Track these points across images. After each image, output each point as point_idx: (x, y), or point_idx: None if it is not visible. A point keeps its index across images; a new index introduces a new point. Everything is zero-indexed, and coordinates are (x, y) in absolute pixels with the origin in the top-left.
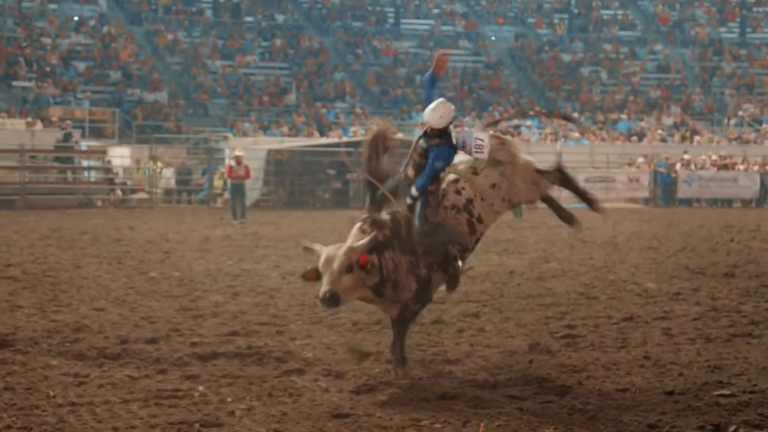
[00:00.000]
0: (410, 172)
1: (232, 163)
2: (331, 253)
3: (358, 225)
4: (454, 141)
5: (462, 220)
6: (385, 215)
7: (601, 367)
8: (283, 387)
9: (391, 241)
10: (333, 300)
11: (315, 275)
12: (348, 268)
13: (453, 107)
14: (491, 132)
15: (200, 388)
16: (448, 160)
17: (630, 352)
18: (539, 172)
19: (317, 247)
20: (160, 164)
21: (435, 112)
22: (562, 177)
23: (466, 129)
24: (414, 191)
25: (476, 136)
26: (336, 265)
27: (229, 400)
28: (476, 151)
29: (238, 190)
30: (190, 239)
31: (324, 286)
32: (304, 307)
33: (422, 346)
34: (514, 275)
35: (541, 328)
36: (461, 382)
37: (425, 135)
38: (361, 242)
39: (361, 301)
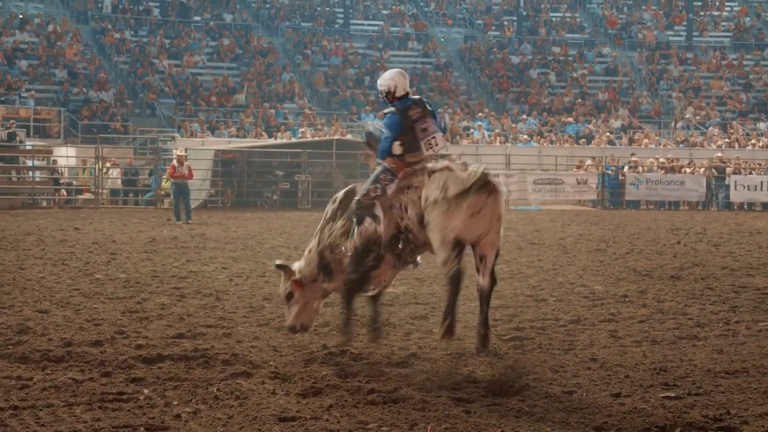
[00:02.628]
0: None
1: (175, 163)
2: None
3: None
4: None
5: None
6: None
7: (549, 369)
8: (230, 390)
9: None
10: (296, 330)
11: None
12: (289, 296)
13: (396, 74)
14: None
15: (145, 391)
16: (392, 128)
17: (577, 354)
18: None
19: (293, 267)
20: (106, 165)
21: (383, 75)
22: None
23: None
24: (378, 156)
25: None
26: (283, 294)
27: (175, 403)
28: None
29: (181, 191)
30: (136, 240)
31: (288, 319)
32: (251, 309)
33: (369, 348)
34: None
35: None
36: (409, 385)
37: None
38: (298, 267)
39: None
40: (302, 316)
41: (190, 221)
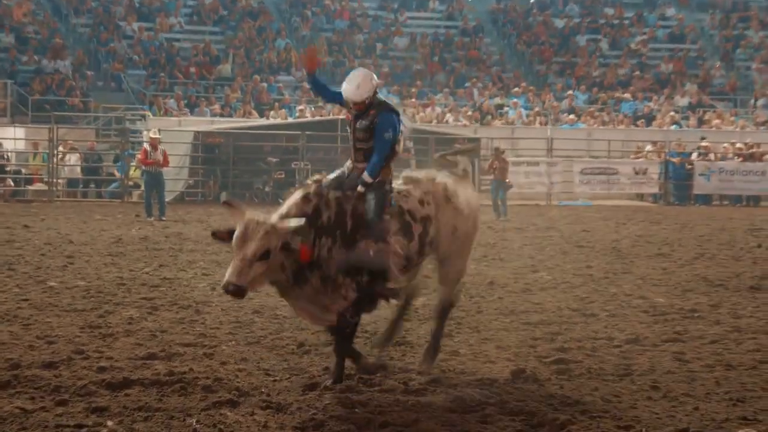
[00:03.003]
0: (359, 159)
1: (147, 147)
2: (251, 226)
3: (301, 191)
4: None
5: (413, 232)
6: (334, 192)
7: (600, 399)
8: (212, 422)
9: (333, 228)
10: (237, 293)
11: (227, 237)
12: (263, 254)
13: (372, 75)
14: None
15: (109, 423)
16: (396, 126)
17: (635, 381)
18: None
19: (242, 208)
20: (62, 149)
21: (351, 83)
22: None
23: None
24: (366, 176)
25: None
26: (251, 248)
27: None
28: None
29: (154, 181)
30: (98, 241)
31: (230, 273)
32: (238, 324)
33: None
34: (495, 287)
35: (528, 352)
36: (430, 418)
37: (356, 116)
38: (288, 222)
39: (273, 286)
40: (257, 280)
41: (164, 218)
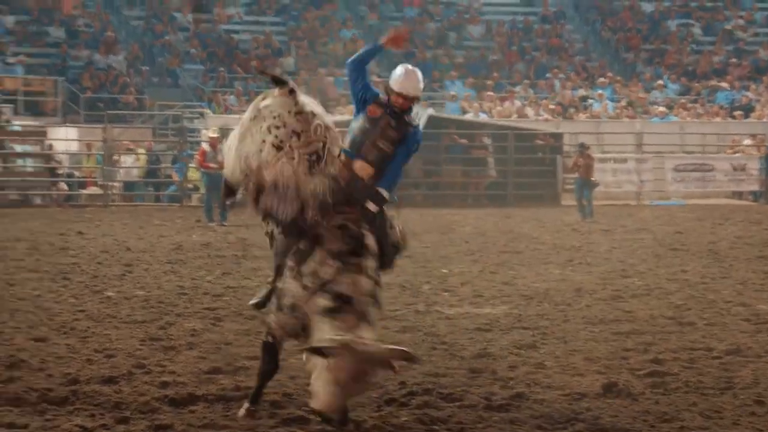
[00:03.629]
0: (370, 158)
1: (206, 147)
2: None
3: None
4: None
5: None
6: None
7: (700, 415)
8: None
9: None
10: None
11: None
12: None
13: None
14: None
15: None
16: (409, 159)
17: (737, 395)
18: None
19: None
20: (117, 150)
21: (412, 78)
22: None
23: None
24: (385, 192)
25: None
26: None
27: None
28: None
29: (215, 183)
30: (157, 248)
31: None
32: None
33: (460, 387)
34: (582, 294)
35: (619, 364)
36: None
37: (394, 114)
38: None
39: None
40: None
41: (225, 222)
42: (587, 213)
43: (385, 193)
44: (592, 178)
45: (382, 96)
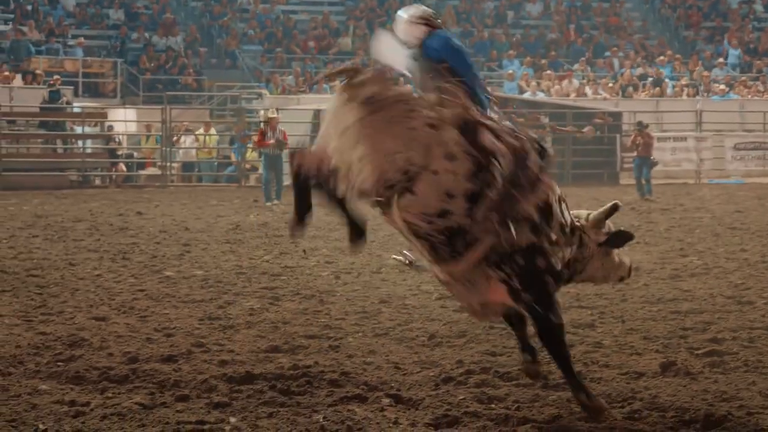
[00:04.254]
0: None
1: (264, 128)
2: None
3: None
4: None
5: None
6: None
7: (759, 394)
8: (339, 419)
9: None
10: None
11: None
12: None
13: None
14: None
15: (232, 420)
16: None
17: None
18: None
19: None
20: (177, 131)
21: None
22: None
23: None
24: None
25: None
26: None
27: None
28: None
29: (272, 163)
30: (215, 228)
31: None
32: (364, 315)
33: (517, 366)
34: (640, 273)
35: (678, 343)
36: (572, 413)
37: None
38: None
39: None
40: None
41: (278, 201)
42: (646, 192)
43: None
44: (651, 157)
45: None
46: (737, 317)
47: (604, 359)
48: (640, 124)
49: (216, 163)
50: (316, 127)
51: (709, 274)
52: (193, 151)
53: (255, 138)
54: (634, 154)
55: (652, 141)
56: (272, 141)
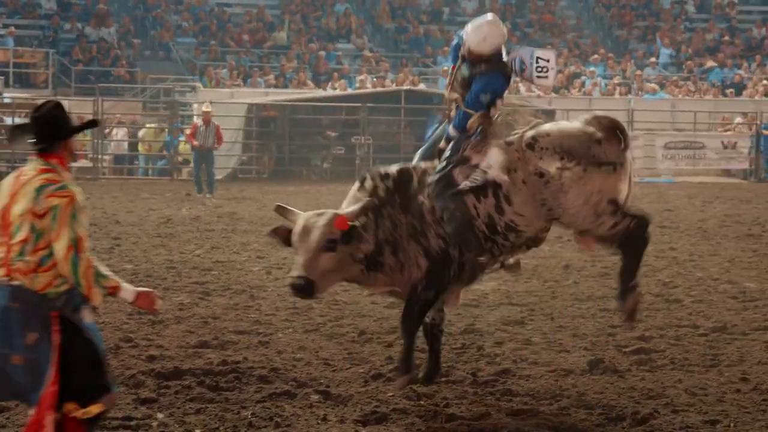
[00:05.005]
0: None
1: (198, 122)
2: (309, 221)
3: (356, 184)
4: (510, 63)
5: (482, 207)
6: (394, 167)
7: (685, 391)
8: (268, 415)
9: (391, 196)
10: (306, 289)
11: (287, 236)
12: (328, 244)
13: (503, 29)
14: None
15: (159, 415)
16: (497, 91)
17: (722, 372)
18: (614, 203)
19: (295, 211)
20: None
21: (477, 33)
22: (632, 237)
23: (525, 46)
24: (451, 129)
25: (538, 55)
26: (313, 240)
27: (198, 431)
28: (539, 75)
29: (203, 156)
30: (146, 221)
31: (295, 269)
32: (294, 311)
33: (448, 361)
34: (570, 271)
35: (606, 341)
36: (500, 410)
37: (467, 61)
38: (350, 209)
39: (352, 283)
40: (327, 276)
41: (210, 195)
42: None
43: (450, 130)
44: None
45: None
46: (665, 315)
47: (533, 356)
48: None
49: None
50: (248, 121)
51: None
52: (125, 144)
53: (188, 131)
54: None
55: None
56: (197, 141)
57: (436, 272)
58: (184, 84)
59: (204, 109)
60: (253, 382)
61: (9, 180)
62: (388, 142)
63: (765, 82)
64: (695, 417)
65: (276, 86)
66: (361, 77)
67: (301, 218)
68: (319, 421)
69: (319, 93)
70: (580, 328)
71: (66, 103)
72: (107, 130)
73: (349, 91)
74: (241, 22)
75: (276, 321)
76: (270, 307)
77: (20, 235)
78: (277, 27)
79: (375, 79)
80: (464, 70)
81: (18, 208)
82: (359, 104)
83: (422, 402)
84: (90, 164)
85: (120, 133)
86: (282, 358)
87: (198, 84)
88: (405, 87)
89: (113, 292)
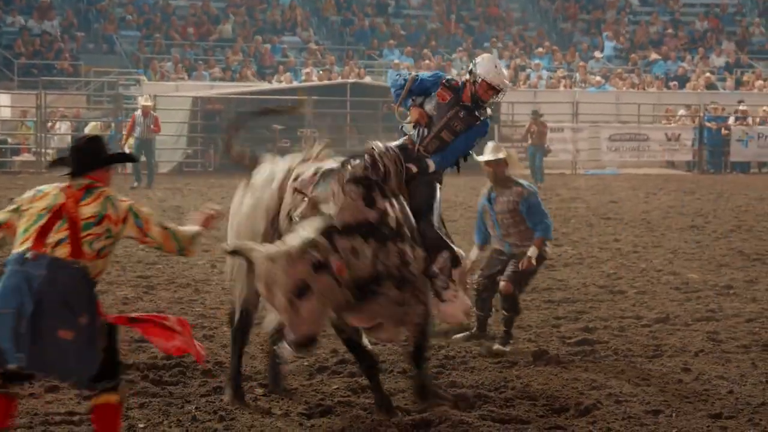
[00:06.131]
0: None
1: (137, 114)
2: (269, 269)
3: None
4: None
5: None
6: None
7: (628, 382)
8: (212, 409)
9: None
10: (310, 346)
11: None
12: (299, 291)
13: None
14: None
15: None
16: (471, 147)
17: (665, 363)
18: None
19: (252, 247)
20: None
21: (501, 67)
22: None
23: None
24: (431, 162)
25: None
26: (281, 291)
27: (141, 426)
28: None
29: (143, 147)
30: None
31: (289, 333)
32: None
33: (393, 354)
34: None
35: (550, 332)
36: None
37: (464, 106)
38: (303, 238)
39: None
40: (316, 320)
41: (151, 187)
42: (537, 179)
43: (431, 163)
44: (546, 145)
45: (453, 79)
46: (609, 306)
47: (477, 348)
48: (535, 113)
49: None
50: (194, 114)
51: (582, 264)
52: (69, 138)
53: (128, 126)
54: (528, 142)
55: (546, 129)
56: (136, 133)
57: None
58: (129, 77)
59: (143, 102)
60: (197, 377)
61: (52, 189)
62: (334, 135)
63: (708, 74)
64: (638, 407)
65: (221, 79)
66: (307, 70)
67: (262, 261)
68: (264, 415)
69: (265, 86)
70: (525, 319)
71: (8, 97)
72: (50, 124)
73: (295, 83)
74: (186, 14)
75: (220, 315)
76: (214, 301)
77: (93, 230)
78: (222, 20)
79: (320, 72)
80: (462, 114)
81: (89, 211)
82: (305, 97)
83: (366, 395)
84: (33, 158)
85: (63, 127)
86: (226, 351)
87: (142, 77)
88: (351, 80)
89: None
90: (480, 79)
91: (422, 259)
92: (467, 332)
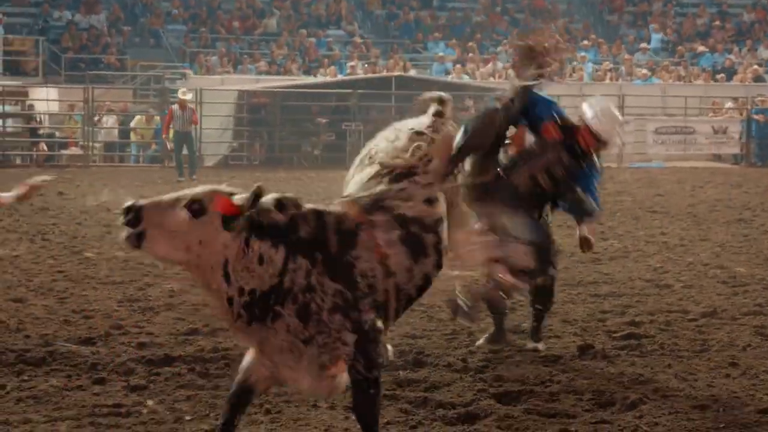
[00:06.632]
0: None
1: (174, 107)
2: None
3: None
4: None
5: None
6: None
7: (674, 377)
8: (258, 402)
9: (312, 247)
10: (132, 222)
11: None
12: (194, 205)
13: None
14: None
15: (150, 402)
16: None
17: (712, 357)
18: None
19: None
20: (99, 111)
21: (613, 119)
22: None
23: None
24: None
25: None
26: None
27: (188, 419)
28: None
29: (182, 139)
30: None
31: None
32: None
33: (437, 349)
34: (561, 256)
35: (596, 326)
36: (490, 396)
37: (571, 149)
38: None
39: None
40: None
41: (194, 178)
42: None
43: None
44: None
45: (561, 120)
46: (655, 301)
47: (522, 342)
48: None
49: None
50: (239, 108)
51: (628, 258)
52: (116, 131)
53: (165, 120)
54: None
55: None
56: (175, 126)
57: (372, 349)
58: (175, 71)
59: (180, 96)
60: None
61: None
62: (379, 129)
63: (755, 66)
64: (685, 402)
65: (267, 73)
66: (352, 63)
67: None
68: (310, 408)
69: (310, 79)
70: (570, 313)
71: (56, 91)
72: (97, 118)
73: (340, 77)
74: (232, 9)
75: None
76: None
77: None
78: (267, 14)
79: (366, 66)
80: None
81: None
82: (350, 90)
83: (412, 388)
84: (81, 152)
85: (110, 121)
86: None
87: (188, 71)
88: (396, 73)
89: None
90: (585, 127)
91: (337, 292)
92: (487, 334)
